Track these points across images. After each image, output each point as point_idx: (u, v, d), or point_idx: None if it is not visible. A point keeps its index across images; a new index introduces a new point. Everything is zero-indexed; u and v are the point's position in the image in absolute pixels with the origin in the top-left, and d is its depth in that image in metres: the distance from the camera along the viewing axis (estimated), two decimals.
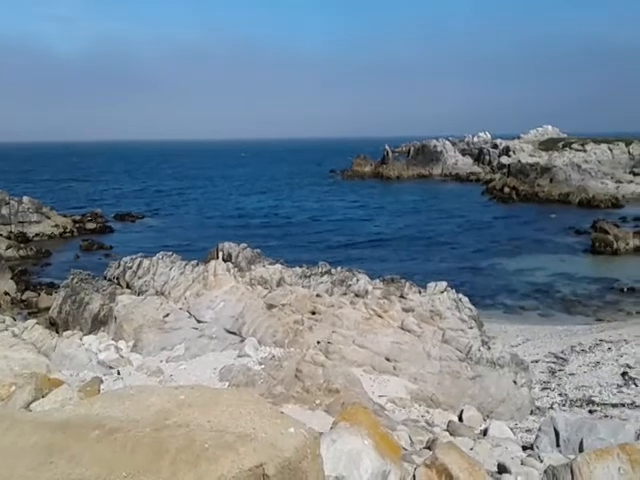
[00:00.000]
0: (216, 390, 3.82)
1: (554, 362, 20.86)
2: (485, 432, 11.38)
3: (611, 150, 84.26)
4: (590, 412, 16.03)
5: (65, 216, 53.82)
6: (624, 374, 19.06)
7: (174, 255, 19.50)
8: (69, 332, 16.04)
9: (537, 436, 9.58)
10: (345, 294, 16.84)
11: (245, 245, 19.75)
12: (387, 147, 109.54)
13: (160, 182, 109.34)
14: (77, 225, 53.06)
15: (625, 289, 32.85)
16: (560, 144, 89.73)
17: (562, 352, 21.95)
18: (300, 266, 18.65)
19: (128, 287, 18.66)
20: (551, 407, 16.32)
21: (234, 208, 73.01)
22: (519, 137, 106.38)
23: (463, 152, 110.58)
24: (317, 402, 12.09)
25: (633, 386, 18.05)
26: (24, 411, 4.99)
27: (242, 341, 14.94)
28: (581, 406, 16.60)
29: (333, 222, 61.24)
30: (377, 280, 17.70)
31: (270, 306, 15.96)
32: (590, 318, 28.41)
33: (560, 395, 17.57)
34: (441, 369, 14.75)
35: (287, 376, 12.95)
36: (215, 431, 3.04)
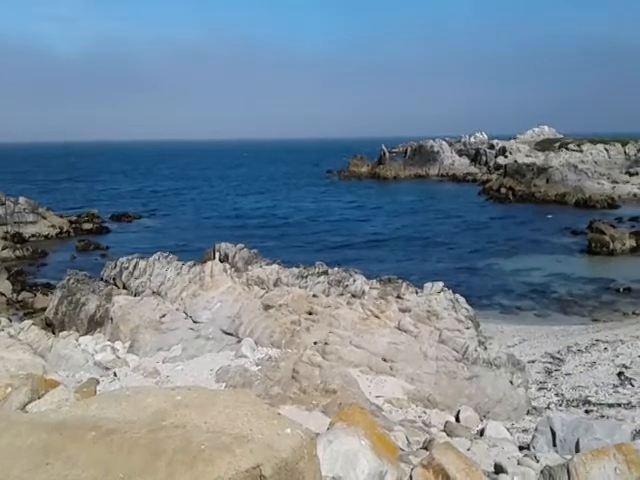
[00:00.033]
0: (213, 391, 3.82)
1: (550, 362, 20.89)
2: (482, 432, 11.40)
3: (607, 150, 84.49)
4: (586, 412, 16.06)
5: (61, 216, 53.71)
6: (620, 374, 19.10)
7: (171, 256, 19.48)
8: (65, 333, 16.01)
9: (534, 436, 9.61)
10: (342, 294, 16.84)
11: (242, 245, 19.73)
12: (384, 147, 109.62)
13: (157, 182, 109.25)
14: (73, 225, 52.96)
15: (621, 289, 32.92)
16: (556, 144, 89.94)
17: (558, 352, 21.98)
18: (297, 266, 18.65)
19: (124, 288, 18.63)
20: (547, 407, 16.34)
21: (231, 208, 72.98)
22: (515, 137, 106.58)
23: (460, 152, 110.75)
24: (314, 403, 12.10)
25: (629, 386, 18.09)
26: (20, 412, 4.98)
27: (239, 342, 14.93)
28: (577, 406, 16.63)
29: (330, 222, 61.25)
30: (374, 280, 17.71)
31: (267, 307, 15.95)
32: (586, 318, 28.47)
33: (556, 395, 17.60)
34: (438, 369, 14.76)
35: (284, 377, 12.95)
36: (212, 432, 3.04)
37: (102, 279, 19.65)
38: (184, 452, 2.83)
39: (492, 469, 7.72)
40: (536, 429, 9.74)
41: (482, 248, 46.01)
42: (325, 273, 17.91)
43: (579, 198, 67.60)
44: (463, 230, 54.54)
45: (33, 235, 48.75)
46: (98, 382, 11.30)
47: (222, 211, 70.52)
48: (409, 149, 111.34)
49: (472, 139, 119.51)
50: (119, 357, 14.21)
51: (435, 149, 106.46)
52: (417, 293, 16.91)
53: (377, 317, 15.84)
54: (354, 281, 17.19)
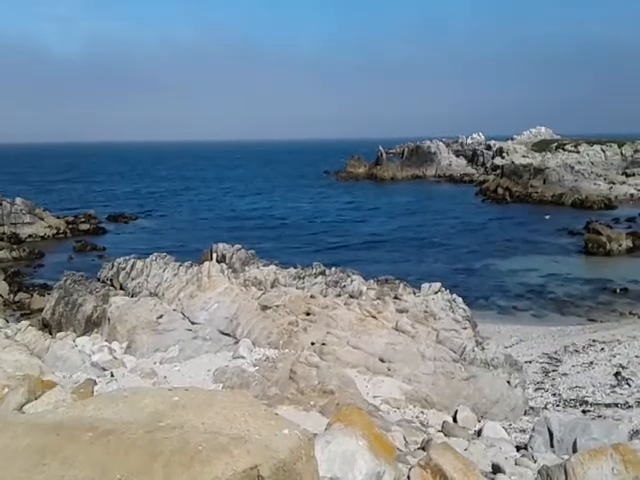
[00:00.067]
0: (210, 392, 3.81)
1: (548, 362, 20.93)
2: (479, 432, 11.41)
3: (604, 151, 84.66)
4: (583, 412, 16.08)
5: (58, 217, 53.65)
6: (617, 374, 19.14)
7: (168, 256, 19.46)
8: (62, 334, 15.98)
9: (531, 436, 9.61)
10: (339, 295, 16.84)
11: (239, 246, 19.72)
12: (381, 148, 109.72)
13: (154, 183, 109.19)
14: (70, 226, 52.89)
15: (618, 290, 33.00)
16: (553, 145, 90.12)
17: (555, 352, 22.02)
18: (294, 267, 18.64)
19: (121, 288, 18.61)
20: (545, 407, 16.36)
21: (228, 209, 72.96)
22: (512, 138, 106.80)
23: (457, 153, 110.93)
24: (311, 403, 12.09)
25: (626, 386, 18.12)
26: (17, 413, 4.97)
27: (236, 342, 14.92)
28: (575, 406, 16.65)
29: (327, 223, 61.27)
30: (371, 281, 17.72)
31: (264, 307, 15.94)
32: (583, 319, 28.53)
33: (554, 395, 17.62)
34: (435, 370, 14.77)
35: (281, 377, 12.94)
36: (209, 433, 3.03)
37: (99, 280, 19.62)
38: (181, 453, 2.82)
39: (490, 469, 7.73)
40: (533, 429, 9.75)
41: (479, 249, 46.07)
42: (322, 274, 17.91)
43: (576, 199, 67.74)
44: (460, 231, 54.61)
45: (30, 236, 48.68)
46: (95, 383, 11.27)
47: (219, 212, 70.50)
48: (406, 150, 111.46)
49: (469, 140, 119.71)
50: (116, 358, 14.18)
51: (432, 150, 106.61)
52: (414, 294, 16.91)
53: (374, 318, 15.84)
54: (351, 282, 17.19)
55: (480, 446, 9.15)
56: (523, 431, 13.24)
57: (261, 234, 52.76)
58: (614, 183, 76.27)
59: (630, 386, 18.11)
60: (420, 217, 63.95)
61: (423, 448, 8.68)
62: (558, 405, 16.78)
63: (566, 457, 7.12)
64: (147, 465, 2.74)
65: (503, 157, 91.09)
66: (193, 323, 15.71)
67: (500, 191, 75.27)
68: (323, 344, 14.74)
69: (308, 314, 15.81)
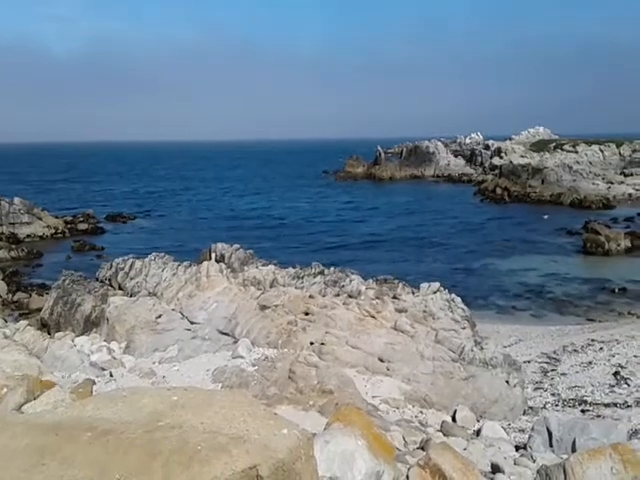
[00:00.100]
0: (209, 391, 3.81)
1: (546, 362, 20.94)
2: (478, 432, 11.41)
3: (602, 151, 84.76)
4: (582, 412, 16.09)
5: (57, 217, 53.60)
6: (616, 374, 19.15)
7: (166, 256, 19.44)
8: (61, 333, 15.97)
9: (530, 436, 9.62)
10: (338, 295, 16.84)
11: (238, 246, 19.71)
12: (379, 148, 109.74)
13: (153, 183, 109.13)
14: (69, 226, 52.85)
15: (616, 290, 33.03)
16: (551, 145, 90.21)
17: (554, 352, 22.03)
18: (293, 267, 18.64)
19: (120, 288, 18.59)
20: (544, 407, 16.37)
21: (227, 209, 72.93)
22: (511, 138, 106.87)
23: (455, 153, 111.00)
24: (311, 403, 12.09)
25: (625, 386, 18.14)
26: (16, 413, 4.96)
27: (235, 342, 14.91)
28: (573, 406, 16.66)
29: (326, 223, 61.27)
30: (370, 281, 17.72)
31: (263, 307, 15.94)
32: (582, 318, 28.55)
33: (553, 395, 17.63)
34: (434, 369, 14.77)
35: (280, 377, 12.94)
36: (208, 433, 3.03)
37: (97, 280, 19.60)
38: (180, 453, 2.81)
39: (489, 469, 7.73)
40: (532, 429, 9.76)
41: (478, 248, 46.09)
42: (321, 273, 17.91)
43: (574, 199, 67.79)
44: (459, 231, 54.63)
45: (28, 236, 48.63)
46: (94, 383, 11.26)
47: (218, 212, 70.47)
48: (405, 150, 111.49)
49: (467, 140, 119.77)
50: (115, 358, 14.17)
51: (431, 150, 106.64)
52: (413, 293, 16.92)
53: (373, 317, 15.84)
54: (350, 281, 17.20)
55: (479, 446, 9.15)
56: (522, 431, 13.25)
57: (260, 234, 52.75)
58: (612, 183, 76.37)
59: (629, 386, 18.12)
60: (419, 217, 63.96)
61: (422, 448, 8.67)
62: (557, 405, 16.79)
63: (565, 457, 7.12)
64: (146, 465, 2.74)
65: (501, 157, 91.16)
66: (192, 323, 15.71)
67: (498, 191, 75.33)
68: (322, 344, 14.74)
69: (307, 314, 15.81)
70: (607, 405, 16.62)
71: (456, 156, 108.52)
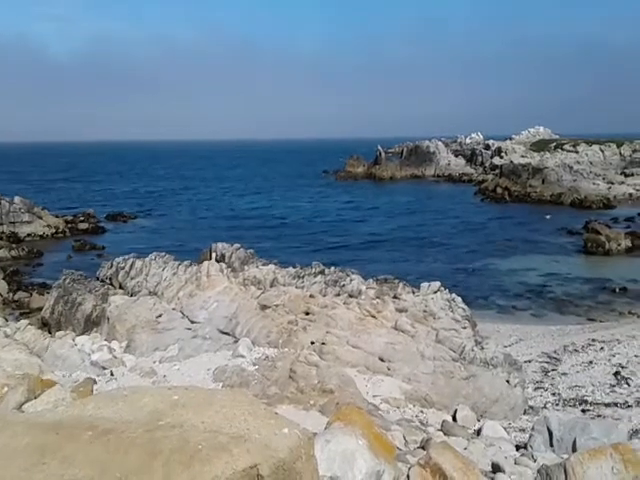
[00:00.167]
0: (210, 391, 3.81)
1: (547, 362, 20.93)
2: (479, 432, 11.40)
3: (602, 151, 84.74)
4: (583, 412, 16.09)
5: (57, 216, 53.61)
6: (617, 374, 19.15)
7: (167, 255, 19.45)
8: (62, 333, 15.97)
9: (530, 436, 9.61)
10: (339, 294, 16.84)
11: (238, 245, 19.72)
12: (379, 148, 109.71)
13: (153, 182, 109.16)
14: (69, 225, 52.86)
15: (617, 289, 33.02)
16: (552, 145, 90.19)
17: (555, 352, 22.03)
18: (293, 266, 18.64)
19: (121, 287, 18.60)
20: (544, 407, 16.37)
21: (227, 209, 72.93)
22: (511, 138, 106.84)
23: (456, 153, 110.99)
24: (311, 402, 12.09)
25: (625, 386, 18.13)
26: (16, 412, 4.97)
27: (236, 342, 14.91)
28: (574, 406, 16.66)
29: (326, 223, 61.26)
30: (370, 280, 17.72)
31: (264, 307, 15.94)
32: (582, 318, 28.55)
33: (553, 395, 17.63)
34: (435, 369, 14.77)
35: (281, 377, 12.94)
36: (209, 432, 3.02)
37: (98, 279, 19.61)
38: (181, 452, 2.81)
39: (489, 468, 7.72)
40: (533, 428, 9.75)
41: (478, 248, 46.09)
42: (322, 273, 17.91)
43: (575, 198, 67.78)
44: (459, 230, 54.63)
45: (29, 235, 48.65)
46: (95, 382, 11.27)
47: (218, 211, 70.48)
48: (405, 149, 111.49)
49: (468, 140, 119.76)
50: (116, 357, 14.17)
51: (431, 149, 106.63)
52: (414, 293, 16.91)
53: (374, 317, 15.84)
54: (351, 281, 17.19)
55: (480, 445, 9.15)
56: (522, 430, 13.24)
57: (260, 233, 52.75)
58: (613, 183, 76.36)
59: (629, 385, 18.12)
60: (419, 217, 63.95)
61: (423, 447, 8.67)
62: (557, 404, 16.79)
63: (566, 456, 7.12)
64: (147, 464, 2.73)
65: (502, 157, 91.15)
66: (192, 322, 15.71)
67: (499, 191, 75.32)
68: (323, 343, 14.74)
69: (307, 313, 15.81)
70: (608, 405, 16.62)
71: (456, 156, 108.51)
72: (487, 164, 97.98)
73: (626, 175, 79.50)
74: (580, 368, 20.07)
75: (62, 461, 2.76)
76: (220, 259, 18.81)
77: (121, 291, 18.27)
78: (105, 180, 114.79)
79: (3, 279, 33.50)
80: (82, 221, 55.20)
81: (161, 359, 14.17)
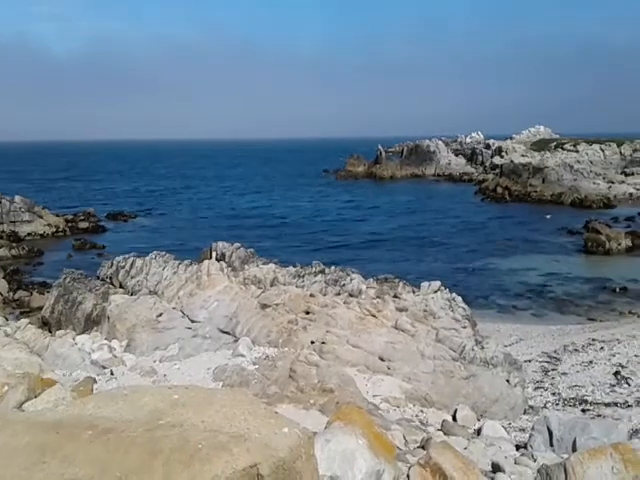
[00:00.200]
0: (210, 390, 3.81)
1: (547, 361, 20.94)
2: (479, 431, 11.40)
3: (603, 151, 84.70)
4: (583, 411, 16.10)
5: (57, 215, 53.62)
6: (617, 373, 19.15)
7: (167, 255, 19.45)
8: (62, 332, 15.97)
9: (530, 435, 9.61)
10: (339, 294, 16.84)
11: (238, 245, 19.72)
12: (380, 147, 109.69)
13: (153, 181, 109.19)
14: (69, 224, 52.86)
15: (617, 289, 33.01)
16: (552, 144, 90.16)
17: (555, 352, 22.03)
18: (294, 266, 18.64)
19: (121, 287, 18.60)
20: (544, 406, 16.37)
21: (228, 208, 72.93)
22: (511, 138, 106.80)
23: (456, 152, 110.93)
24: (311, 402, 12.09)
25: (626, 385, 18.13)
26: (17, 411, 4.97)
27: (236, 341, 14.91)
28: (574, 405, 16.66)
29: (327, 222, 61.26)
30: (371, 280, 17.72)
31: (264, 306, 15.94)
32: (583, 318, 28.54)
33: (553, 394, 17.63)
34: (435, 369, 14.77)
35: (281, 376, 12.94)
36: (209, 431, 3.03)
37: (98, 278, 19.61)
38: (181, 451, 2.81)
39: (489, 468, 7.73)
40: (533, 428, 9.75)
41: (479, 248, 46.08)
42: (322, 272, 17.91)
43: (575, 198, 67.76)
44: (460, 230, 54.62)
45: (29, 234, 48.66)
46: (95, 381, 11.27)
47: (219, 210, 70.49)
48: (405, 149, 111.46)
49: (468, 139, 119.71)
50: (116, 356, 14.18)
51: (431, 149, 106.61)
52: (414, 292, 16.91)
53: (374, 316, 15.83)
54: (351, 280, 17.19)
55: (480, 445, 9.15)
56: (523, 430, 13.25)
57: (261, 233, 52.75)
58: (613, 182, 76.34)
59: (629, 385, 18.12)
60: (419, 216, 63.94)
61: (423, 447, 8.67)
62: (557, 404, 16.79)
63: (566, 456, 7.12)
64: (147, 463, 2.74)
65: (502, 156, 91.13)
66: (193, 321, 15.71)
67: (499, 190, 75.30)
68: (323, 343, 14.74)
69: (308, 313, 15.81)
70: (608, 405, 16.62)
71: (457, 155, 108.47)
72: (487, 163, 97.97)
73: (626, 174, 79.48)
74: (580, 368, 20.07)
75: (62, 460, 2.76)
76: (220, 258, 18.81)
77: (121, 290, 18.27)
78: (106, 179, 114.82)
79: (3, 278, 33.52)
80: (82, 220, 55.21)
81: (161, 358, 14.17)
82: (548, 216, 58.81)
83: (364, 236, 52.33)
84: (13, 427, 3.09)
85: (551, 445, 9.07)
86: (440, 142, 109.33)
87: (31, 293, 31.11)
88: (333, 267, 18.45)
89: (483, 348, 15.66)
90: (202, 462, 2.75)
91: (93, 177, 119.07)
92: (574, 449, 8.38)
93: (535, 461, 8.02)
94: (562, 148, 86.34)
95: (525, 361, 19.89)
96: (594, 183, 74.84)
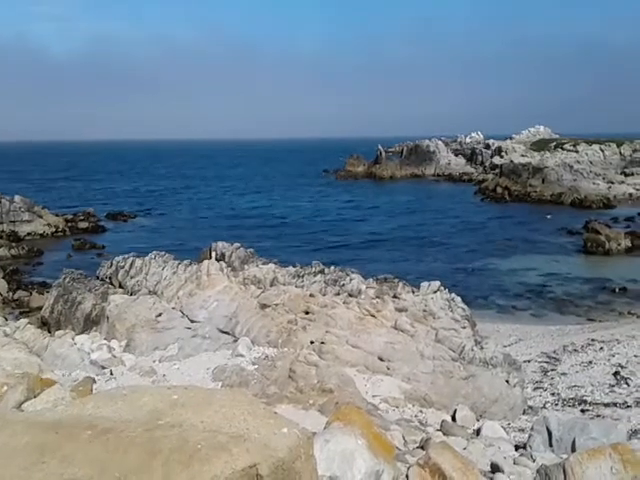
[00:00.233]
0: (209, 390, 3.81)
1: (546, 362, 20.94)
2: (478, 432, 11.40)
3: (603, 151, 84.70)
4: (582, 412, 16.10)
5: (57, 215, 53.62)
6: (616, 374, 19.15)
7: (167, 255, 19.45)
8: (61, 332, 15.97)
9: (530, 436, 9.61)
10: (338, 294, 16.84)
11: (238, 245, 19.72)
12: (380, 147, 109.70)
13: (153, 181, 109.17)
14: (69, 224, 52.85)
15: (617, 289, 33.02)
16: (552, 145, 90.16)
17: (554, 352, 22.03)
18: (293, 266, 18.63)
19: (120, 287, 18.60)
20: (544, 407, 16.37)
21: (228, 208, 72.93)
22: (511, 138, 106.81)
23: (456, 152, 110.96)
24: (311, 402, 12.09)
25: (625, 386, 18.14)
26: (16, 411, 4.97)
27: (235, 341, 14.91)
28: (573, 406, 16.66)
29: (327, 222, 61.26)
30: (370, 280, 17.72)
31: (263, 306, 15.94)
32: (582, 318, 28.55)
33: (552, 395, 17.63)
34: (434, 369, 14.77)
35: (280, 376, 12.94)
36: (208, 431, 3.03)
37: (98, 278, 19.61)
38: (180, 451, 2.82)
39: (488, 468, 7.73)
40: (532, 428, 9.74)
41: (478, 248, 46.09)
42: (321, 272, 17.91)
43: (575, 198, 67.77)
44: (459, 230, 54.62)
45: (29, 234, 48.65)
46: (94, 381, 11.26)
47: (218, 210, 70.49)
48: (405, 149, 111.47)
49: (468, 139, 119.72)
50: (115, 356, 14.17)
51: (431, 149, 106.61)
52: (413, 292, 16.91)
53: (373, 316, 15.83)
54: (350, 280, 17.19)
55: (479, 445, 9.15)
56: (522, 430, 13.25)
57: (261, 233, 52.75)
58: (613, 182, 76.35)
59: (629, 385, 18.13)
60: (419, 216, 63.95)
61: (422, 447, 8.67)
62: (557, 404, 16.79)
63: (565, 456, 7.12)
64: (146, 463, 2.74)
65: (502, 156, 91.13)
66: (192, 321, 15.71)
67: (499, 190, 75.30)
68: (322, 343, 14.74)
69: (307, 313, 15.81)
70: (607, 405, 16.63)
71: (457, 155, 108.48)
72: (487, 163, 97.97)
73: (626, 175, 79.50)
74: (579, 368, 20.07)
75: (61, 460, 2.76)
76: (220, 258, 18.81)
77: (121, 290, 18.27)
78: (106, 179, 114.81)
79: (3, 278, 33.51)
80: (82, 220, 55.20)
81: (161, 358, 14.17)
82: (549, 216, 58.82)
83: (364, 236, 52.33)
84: (12, 427, 3.09)
85: (550, 445, 9.07)
86: (440, 142, 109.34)
87: (30, 293, 31.10)
88: (333, 267, 18.45)
89: (482, 348, 15.66)
90: (201, 462, 2.75)
91: (93, 177, 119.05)
92: (573, 449, 8.38)
93: (534, 461, 8.02)
94: (562, 148, 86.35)
95: (524, 361, 19.89)
96: (594, 183, 74.86)
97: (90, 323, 17.13)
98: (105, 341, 15.17)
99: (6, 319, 16.37)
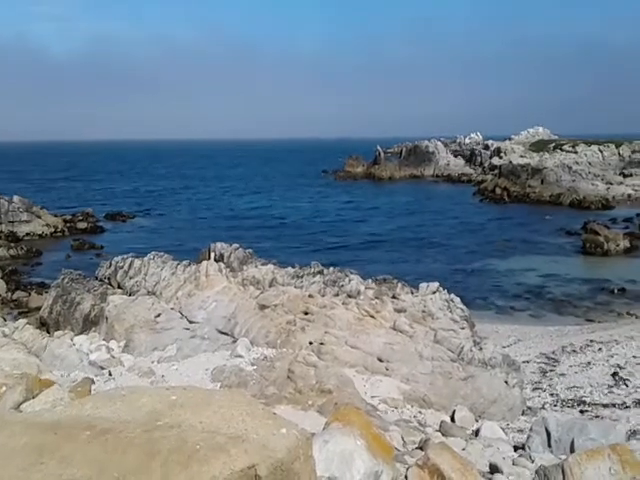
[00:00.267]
0: (208, 391, 3.81)
1: (545, 362, 20.94)
2: (477, 432, 11.40)
3: (601, 152, 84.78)
4: (581, 412, 16.10)
5: (56, 215, 53.56)
6: (615, 374, 19.16)
7: (165, 255, 19.44)
8: (60, 332, 15.96)
9: (528, 436, 9.61)
10: (337, 294, 16.83)
11: (237, 245, 19.71)
12: (379, 148, 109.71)
13: (153, 182, 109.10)
14: (68, 225, 52.80)
15: (615, 290, 33.03)
16: (551, 145, 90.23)
17: (553, 352, 22.04)
18: (292, 266, 18.63)
19: (119, 287, 18.59)
20: (542, 407, 16.38)
21: (226, 208, 72.89)
22: (510, 138, 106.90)
23: (455, 153, 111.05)
24: (309, 403, 12.09)
25: (624, 386, 18.15)
26: (14, 412, 4.96)
27: (234, 342, 14.91)
28: (572, 406, 16.67)
29: (326, 223, 61.24)
30: (369, 280, 17.71)
31: (262, 306, 15.94)
32: (581, 319, 28.56)
33: (551, 395, 17.64)
34: (433, 369, 14.77)
35: (279, 377, 12.94)
36: (207, 432, 3.03)
37: (97, 278, 19.60)
38: (179, 452, 2.82)
39: (487, 469, 7.73)
40: (531, 429, 9.75)
41: (477, 249, 46.10)
42: (320, 273, 17.91)
43: (573, 199, 67.82)
44: (458, 231, 54.63)
45: (27, 234, 48.60)
46: (93, 382, 11.25)
47: (217, 211, 70.45)
48: (404, 149, 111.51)
49: (467, 140, 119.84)
50: (114, 357, 14.17)
51: (430, 149, 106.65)
52: (412, 293, 16.92)
53: (372, 317, 15.84)
54: (349, 281, 17.19)
55: (478, 446, 9.16)
56: (521, 431, 13.25)
57: (260, 233, 52.73)
58: (612, 183, 76.39)
59: (627, 386, 18.14)
60: (418, 217, 63.95)
61: (421, 448, 8.67)
62: (556, 405, 16.79)
63: (563, 457, 7.13)
64: (145, 464, 2.74)
65: (501, 157, 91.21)
66: (191, 322, 15.71)
67: (498, 191, 75.34)
68: (321, 343, 14.74)
69: (306, 313, 15.81)
70: (606, 406, 16.63)
71: (456, 156, 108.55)
72: (486, 164, 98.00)
73: (625, 176, 79.55)
74: (578, 369, 20.08)
75: (60, 461, 2.76)
76: (219, 259, 18.80)
77: (120, 291, 18.27)
78: (105, 179, 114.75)
79: (2, 278, 33.48)
80: (81, 220, 55.15)
81: (159, 359, 14.16)
82: (548, 217, 58.85)
83: (363, 237, 52.32)
84: (11, 428, 3.09)
85: (549, 446, 9.07)
86: (439, 143, 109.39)
87: (29, 293, 31.08)
88: (332, 268, 18.45)
89: (481, 349, 15.67)
90: (200, 463, 2.75)
91: (93, 177, 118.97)
92: (572, 450, 8.38)
93: (533, 462, 8.03)
94: (561, 149, 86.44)
95: (523, 362, 19.89)
96: (593, 184, 74.89)
97: (89, 324, 17.13)
98: (104, 342, 15.17)
99: (5, 319, 16.37)
